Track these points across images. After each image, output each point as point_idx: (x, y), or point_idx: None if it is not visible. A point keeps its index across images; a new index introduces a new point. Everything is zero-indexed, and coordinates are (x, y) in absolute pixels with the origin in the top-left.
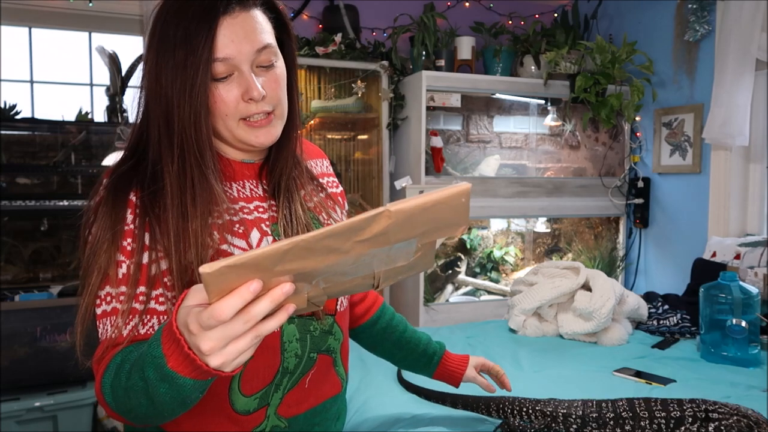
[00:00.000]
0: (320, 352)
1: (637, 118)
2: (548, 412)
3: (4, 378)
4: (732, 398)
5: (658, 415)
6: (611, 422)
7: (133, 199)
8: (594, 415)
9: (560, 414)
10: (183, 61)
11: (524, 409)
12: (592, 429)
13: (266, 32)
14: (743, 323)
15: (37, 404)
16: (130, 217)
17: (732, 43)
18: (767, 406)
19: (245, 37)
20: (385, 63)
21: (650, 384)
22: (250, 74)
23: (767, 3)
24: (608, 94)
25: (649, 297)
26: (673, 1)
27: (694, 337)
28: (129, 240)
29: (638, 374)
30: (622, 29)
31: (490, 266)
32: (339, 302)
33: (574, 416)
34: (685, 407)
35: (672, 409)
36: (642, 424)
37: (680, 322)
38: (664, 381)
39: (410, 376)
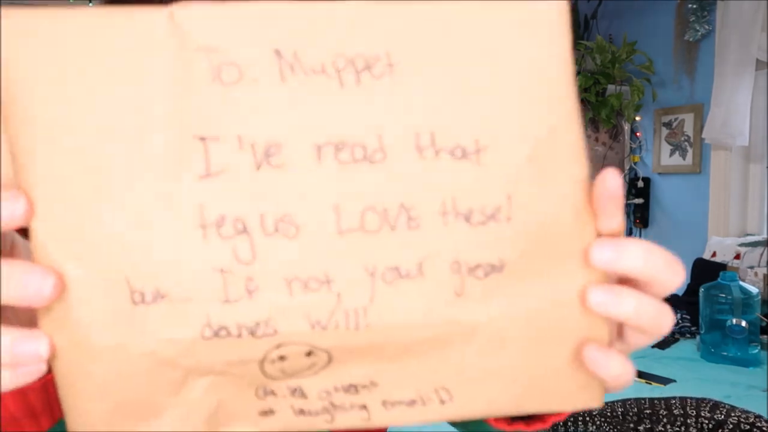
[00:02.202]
0: None
1: (637, 118)
2: (608, 414)
3: None
4: (732, 398)
5: (704, 415)
6: (664, 419)
7: None
8: (647, 412)
9: (618, 414)
10: None
11: (580, 417)
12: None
13: None
14: (743, 323)
15: None
16: None
17: (732, 43)
18: (767, 406)
19: None
20: None
21: (650, 384)
22: None
23: (767, 3)
24: (608, 94)
25: None
26: (673, 1)
27: (694, 337)
28: None
29: (638, 374)
30: (622, 29)
31: None
32: None
33: (630, 414)
34: (732, 415)
35: (719, 414)
36: (688, 422)
37: (680, 322)
38: (664, 381)
39: None
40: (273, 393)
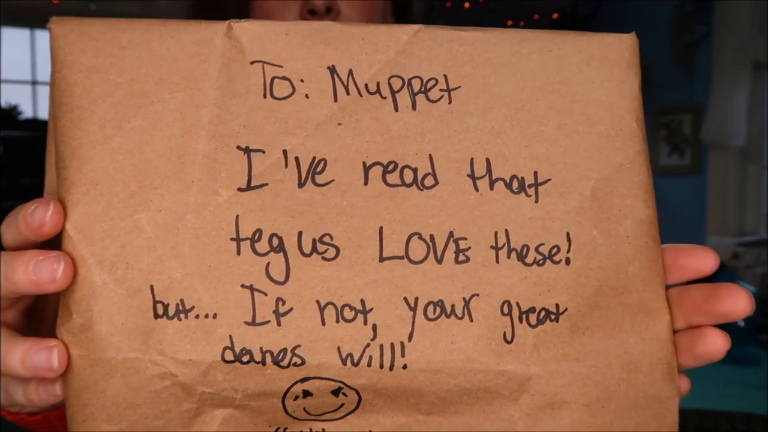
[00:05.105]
0: None
1: None
2: None
3: None
4: (729, 397)
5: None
6: None
7: None
8: (709, 425)
9: None
10: None
11: None
12: None
13: None
14: (741, 322)
15: None
16: None
17: (730, 44)
18: (767, 406)
19: None
20: None
21: None
22: None
23: (767, 3)
24: None
25: None
26: (672, 2)
27: None
28: None
29: None
30: (621, 29)
31: None
32: None
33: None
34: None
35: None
36: None
37: None
38: None
39: None
40: None
